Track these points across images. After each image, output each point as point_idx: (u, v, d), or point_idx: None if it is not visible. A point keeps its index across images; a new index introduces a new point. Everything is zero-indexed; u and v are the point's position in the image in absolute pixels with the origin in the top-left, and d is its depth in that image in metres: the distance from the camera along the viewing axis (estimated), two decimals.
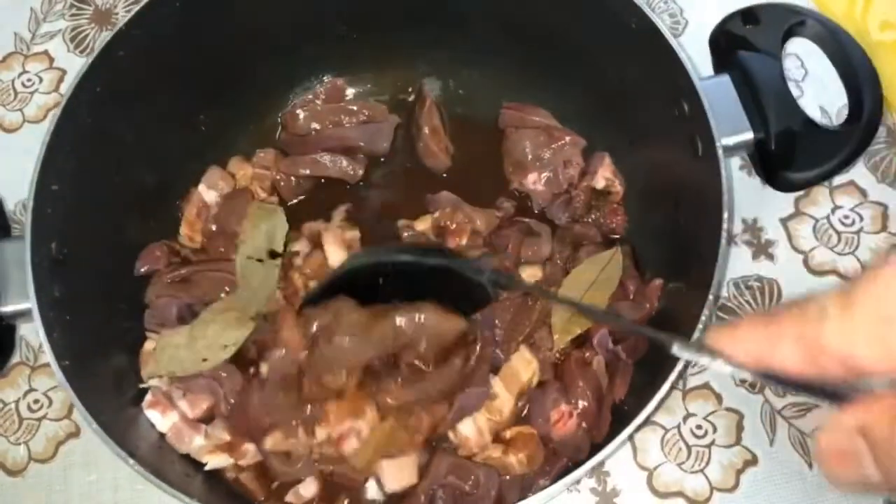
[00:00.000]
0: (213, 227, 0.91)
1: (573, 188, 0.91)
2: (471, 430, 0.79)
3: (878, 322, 0.34)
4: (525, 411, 0.82)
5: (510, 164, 0.94)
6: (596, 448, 0.74)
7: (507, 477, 0.79)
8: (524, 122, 0.94)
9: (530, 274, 0.86)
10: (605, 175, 0.90)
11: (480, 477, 0.77)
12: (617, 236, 0.90)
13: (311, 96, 0.99)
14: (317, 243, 0.88)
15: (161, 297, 0.85)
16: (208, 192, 0.92)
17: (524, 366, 0.81)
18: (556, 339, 0.82)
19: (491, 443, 0.80)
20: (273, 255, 0.86)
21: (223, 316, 0.82)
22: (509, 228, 0.89)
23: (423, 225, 0.90)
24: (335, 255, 0.86)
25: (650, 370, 0.79)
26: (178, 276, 0.86)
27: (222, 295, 0.85)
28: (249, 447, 0.79)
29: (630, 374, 0.82)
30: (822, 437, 0.36)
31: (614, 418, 0.80)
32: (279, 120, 0.98)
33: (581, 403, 0.79)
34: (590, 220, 0.91)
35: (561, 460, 0.79)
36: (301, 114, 0.96)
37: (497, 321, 0.83)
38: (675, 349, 0.48)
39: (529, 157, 0.92)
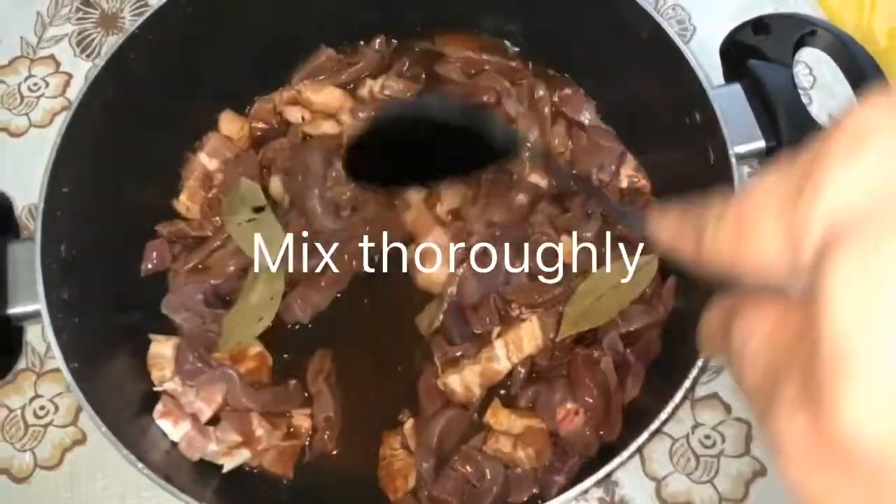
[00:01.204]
0: (212, 196, 0.91)
1: (604, 188, 0.91)
2: (458, 384, 0.81)
3: (735, 231, 0.32)
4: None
5: None
6: (607, 450, 0.74)
7: (519, 470, 0.79)
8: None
9: (567, 244, 0.86)
10: (626, 173, 0.90)
11: (487, 472, 0.78)
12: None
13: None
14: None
15: (187, 284, 0.85)
16: (210, 160, 0.91)
17: (530, 338, 0.81)
18: (563, 328, 0.82)
19: (500, 433, 0.80)
20: (258, 210, 0.87)
21: (257, 282, 0.85)
22: (575, 199, 0.90)
23: None
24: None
25: (664, 373, 0.79)
26: (194, 265, 0.86)
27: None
28: (261, 433, 0.79)
29: (642, 376, 0.81)
30: (707, 313, 0.36)
31: (628, 421, 0.79)
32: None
33: (587, 401, 0.79)
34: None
35: (572, 458, 0.79)
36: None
37: (510, 286, 0.85)
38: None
39: None
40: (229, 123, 0.94)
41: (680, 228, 0.36)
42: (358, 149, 0.69)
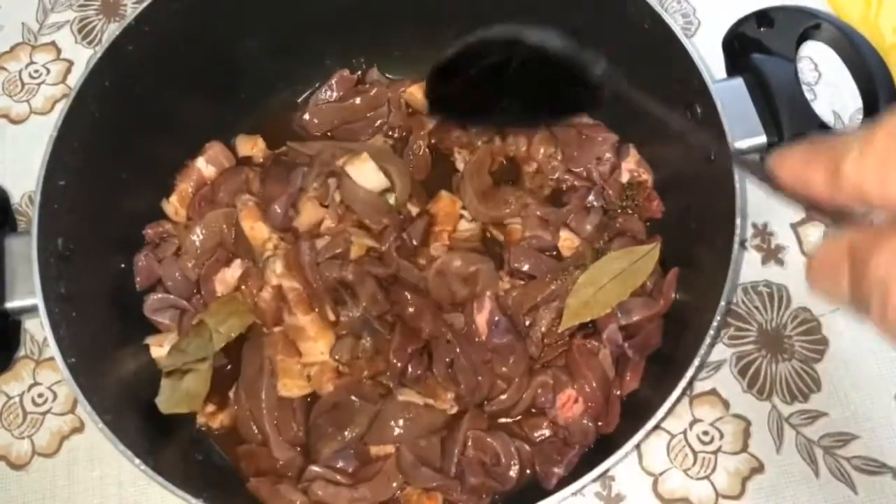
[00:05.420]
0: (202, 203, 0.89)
1: (604, 182, 0.91)
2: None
3: (884, 163, 0.37)
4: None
5: None
6: (605, 444, 0.74)
7: (528, 447, 0.80)
8: None
9: (565, 239, 0.87)
10: (628, 167, 0.90)
11: (497, 448, 0.79)
12: (657, 217, 0.89)
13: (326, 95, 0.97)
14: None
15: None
16: (207, 167, 0.90)
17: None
18: (565, 318, 0.82)
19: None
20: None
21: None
22: (574, 193, 0.90)
23: None
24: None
25: (664, 366, 0.79)
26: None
27: None
28: None
29: (641, 370, 0.82)
30: (819, 249, 0.40)
31: (627, 414, 0.80)
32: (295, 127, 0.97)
33: (585, 389, 0.80)
34: (626, 204, 0.90)
35: (572, 449, 0.79)
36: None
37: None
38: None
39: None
40: (244, 144, 0.94)
41: (809, 164, 0.41)
42: (442, 75, 0.68)
